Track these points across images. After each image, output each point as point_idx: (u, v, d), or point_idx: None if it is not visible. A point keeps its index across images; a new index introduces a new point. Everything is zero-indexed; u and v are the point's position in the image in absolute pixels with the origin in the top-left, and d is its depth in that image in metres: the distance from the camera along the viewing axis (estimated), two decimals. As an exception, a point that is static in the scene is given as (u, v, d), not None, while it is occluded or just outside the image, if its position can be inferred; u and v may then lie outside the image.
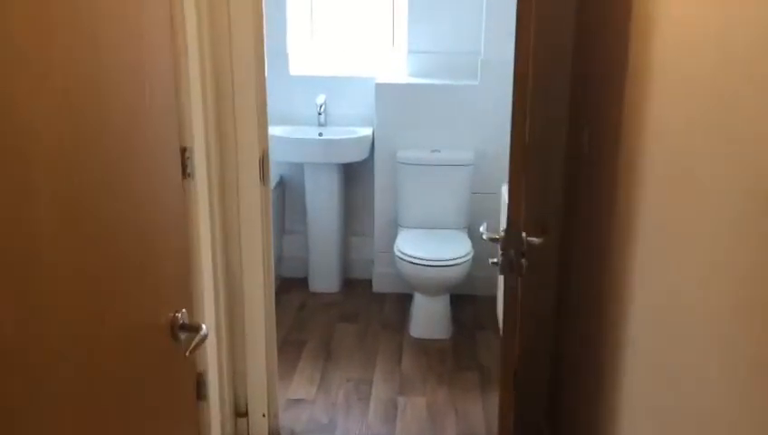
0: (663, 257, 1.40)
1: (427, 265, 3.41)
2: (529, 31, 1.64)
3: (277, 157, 3.98)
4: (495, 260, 1.74)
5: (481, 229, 1.96)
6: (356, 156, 3.95)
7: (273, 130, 3.95)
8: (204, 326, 1.31)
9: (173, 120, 1.67)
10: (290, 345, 3.56)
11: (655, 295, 1.44)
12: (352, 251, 4.33)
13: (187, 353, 1.27)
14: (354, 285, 4.25)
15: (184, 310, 1.32)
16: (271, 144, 4.00)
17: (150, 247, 1.31)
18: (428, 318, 3.61)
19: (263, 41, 2.43)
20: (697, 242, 1.23)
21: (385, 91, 3.91)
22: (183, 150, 2.30)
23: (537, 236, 1.72)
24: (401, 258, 3.49)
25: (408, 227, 3.90)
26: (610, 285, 1.72)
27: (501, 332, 2.63)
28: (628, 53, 1.69)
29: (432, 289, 3.54)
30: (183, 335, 1.29)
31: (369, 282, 4.21)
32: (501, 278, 3.59)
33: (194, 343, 1.28)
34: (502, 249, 1.71)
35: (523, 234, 1.70)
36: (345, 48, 4.26)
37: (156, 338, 1.26)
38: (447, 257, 3.42)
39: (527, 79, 1.72)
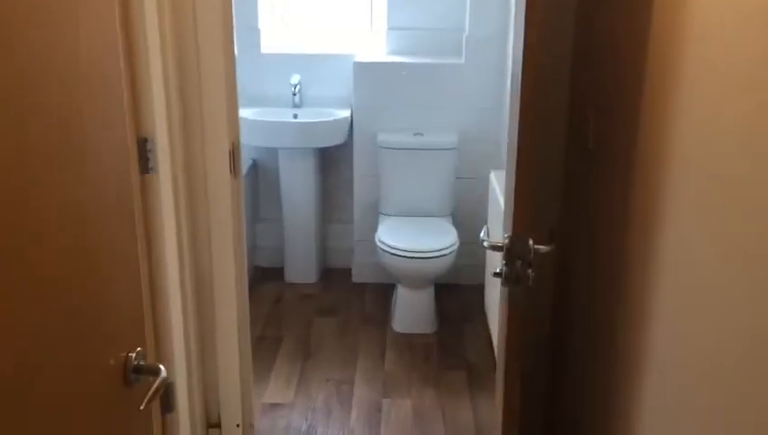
0: (700, 279, 1.21)
1: (411, 257, 3.21)
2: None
3: (249, 141, 3.74)
4: (498, 271, 1.54)
5: (481, 235, 1.76)
6: (333, 140, 3.72)
7: (245, 113, 3.71)
8: (163, 369, 1.09)
9: (120, 107, 1.41)
10: (265, 343, 3.35)
11: (686, 323, 1.25)
12: (330, 239, 4.12)
13: (142, 406, 1.05)
14: (333, 276, 4.04)
15: (139, 349, 1.10)
16: (242, 127, 3.77)
17: (92, 268, 1.09)
18: (412, 312, 3.42)
19: (231, 16, 2.18)
20: (752, 263, 1.03)
21: (364, 71, 3.67)
22: (143, 142, 2.08)
23: (544, 244, 1.52)
24: (383, 249, 3.28)
25: (389, 215, 3.68)
26: (625, 307, 1.53)
27: (496, 355, 2.44)
28: (651, 15, 1.46)
29: (416, 281, 3.35)
30: (138, 380, 1.07)
31: (349, 271, 4.01)
32: (487, 268, 3.42)
33: (151, 391, 1.06)
34: (506, 259, 1.50)
35: (530, 241, 1.50)
36: (321, 24, 4.00)
37: (102, 384, 1.05)
38: (432, 248, 3.22)
39: (538, 54, 1.50)
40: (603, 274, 1.70)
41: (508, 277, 1.51)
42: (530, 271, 1.51)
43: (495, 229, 2.85)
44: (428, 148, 3.59)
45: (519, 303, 1.53)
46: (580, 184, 1.96)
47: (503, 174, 3.20)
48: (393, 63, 3.68)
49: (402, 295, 3.41)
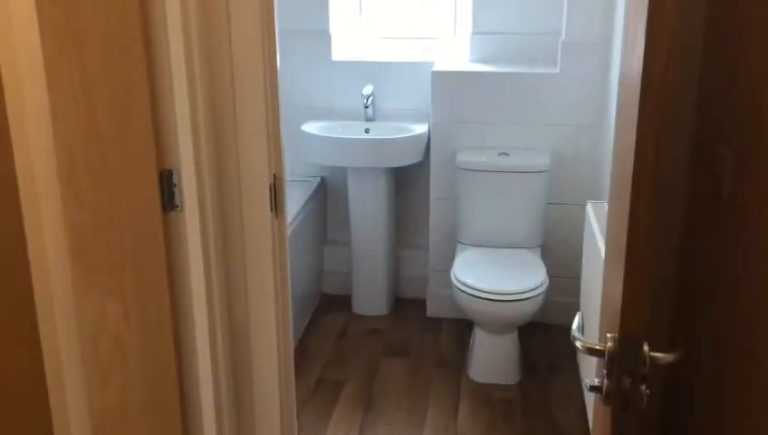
0: None
1: (491, 299, 2.77)
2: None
3: (315, 159, 3.40)
4: (597, 383, 1.11)
5: (573, 328, 1.32)
6: (409, 158, 3.31)
7: (311, 127, 3.36)
8: None
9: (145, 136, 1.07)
10: (324, 388, 2.98)
11: None
12: (403, 267, 3.72)
13: None
14: (405, 308, 3.64)
15: None
16: (308, 144, 3.43)
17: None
18: (492, 359, 2.98)
19: (273, 23, 1.82)
20: None
21: (443, 81, 3.25)
22: (167, 175, 1.74)
23: (664, 349, 1.07)
24: (459, 289, 2.86)
25: (468, 245, 3.25)
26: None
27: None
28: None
29: (497, 326, 2.90)
30: None
31: (423, 304, 3.60)
32: (582, 306, 2.94)
33: None
34: (610, 371, 1.07)
35: (645, 346, 1.06)
36: (398, 29, 3.61)
37: None
38: (516, 290, 2.77)
39: (660, 82, 1.06)
40: (750, 394, 1.22)
41: (611, 396, 1.07)
42: (643, 388, 1.06)
43: (590, 281, 2.38)
44: (515, 170, 3.14)
45: (626, 433, 1.08)
46: (710, 253, 1.47)
47: (602, 207, 2.74)
48: (477, 73, 3.24)
49: (480, 340, 2.97)
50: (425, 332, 3.43)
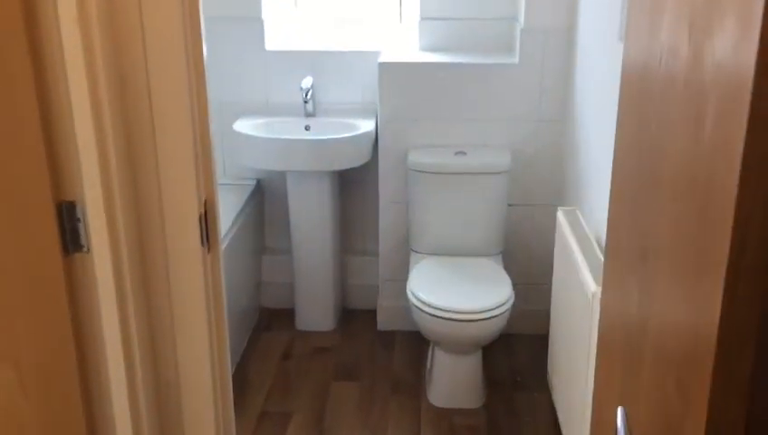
0: None
1: (454, 320, 2.48)
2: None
3: (248, 162, 3.03)
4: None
5: (618, 426, 1.02)
6: (355, 160, 2.99)
7: (243, 126, 3.00)
8: None
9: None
10: (269, 422, 2.65)
11: None
12: (351, 276, 3.40)
13: None
14: (353, 321, 3.33)
15: None
16: (240, 144, 3.06)
17: None
18: (453, 382, 2.70)
19: (198, 15, 1.46)
20: None
21: (391, 73, 2.93)
22: (69, 209, 1.39)
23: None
24: (417, 306, 2.56)
25: (423, 253, 2.96)
26: None
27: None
28: None
29: (459, 347, 2.63)
30: None
31: (373, 315, 3.29)
32: (552, 313, 2.68)
33: None
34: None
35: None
36: (339, 14, 3.27)
37: None
38: (480, 308, 2.49)
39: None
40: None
41: None
42: None
43: (564, 282, 2.12)
44: (473, 171, 2.85)
45: None
46: None
47: (574, 214, 2.46)
48: (429, 64, 2.93)
49: (440, 361, 2.69)
50: (376, 348, 3.13)
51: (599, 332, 1.33)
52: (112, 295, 1.46)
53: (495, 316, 2.49)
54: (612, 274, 1.22)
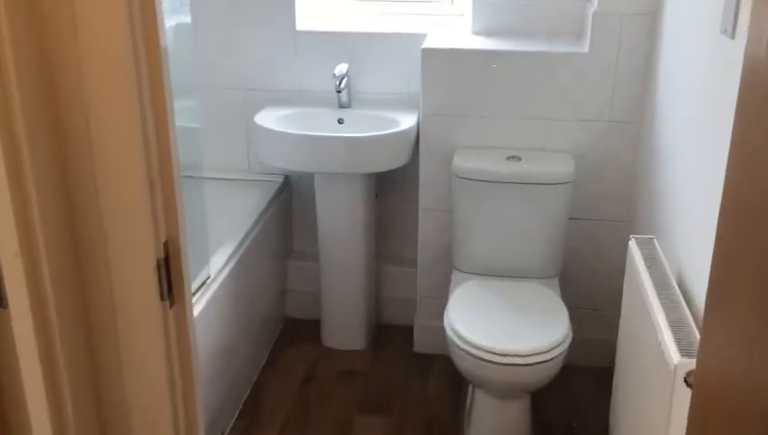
0: None
1: (496, 363, 2.08)
2: None
3: (271, 160, 2.67)
4: None
5: None
6: (392, 161, 2.59)
7: (267, 118, 2.64)
8: None
9: None
10: (280, 464, 2.32)
11: None
12: (386, 287, 3.02)
13: None
14: (387, 338, 2.96)
15: None
16: (262, 140, 2.68)
17: None
18: (496, 429, 2.30)
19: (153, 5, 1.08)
20: None
21: (436, 61, 2.51)
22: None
23: None
24: (455, 343, 2.17)
25: (466, 273, 2.55)
26: None
27: None
28: None
29: (503, 392, 2.23)
30: None
31: (410, 333, 2.91)
32: (620, 343, 2.25)
33: None
34: None
35: None
36: (380, -10, 2.86)
37: None
38: (529, 350, 2.08)
39: None
40: None
41: None
42: None
43: (636, 332, 1.69)
44: (530, 181, 2.42)
45: None
46: None
47: (651, 244, 2.00)
48: (480, 51, 2.50)
49: (482, 403, 2.29)
50: (411, 375, 2.75)
51: (692, 411, 0.98)
52: (36, 365, 1.11)
53: (548, 360, 2.08)
54: (716, 333, 0.87)
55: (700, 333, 0.96)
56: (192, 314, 1.27)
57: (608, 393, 2.27)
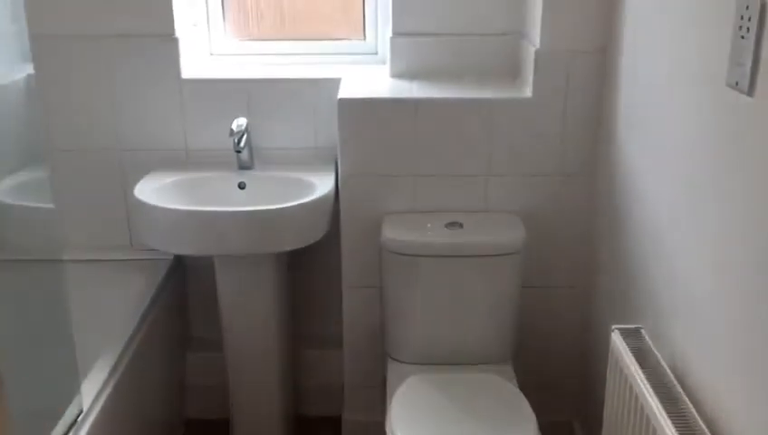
0: None
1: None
2: None
3: (155, 243, 2.16)
4: None
5: None
6: (307, 236, 2.14)
7: (148, 188, 2.14)
8: None
9: None
10: None
11: None
12: (307, 372, 2.57)
13: None
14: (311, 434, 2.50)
15: None
16: (143, 216, 2.16)
17: None
18: None
19: None
20: None
21: (355, 111, 2.09)
22: None
23: None
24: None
25: (403, 363, 2.14)
26: None
27: None
28: None
29: None
30: None
31: (338, 424, 2.46)
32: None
33: None
34: None
35: None
36: (284, 28, 2.44)
37: None
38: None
39: None
40: None
41: None
42: None
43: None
44: (472, 253, 2.03)
45: None
46: None
47: (639, 338, 1.61)
48: (406, 100, 2.10)
49: None
50: (343, 484, 2.30)
51: None
52: None
53: (518, 482, 1.68)
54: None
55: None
56: None
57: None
